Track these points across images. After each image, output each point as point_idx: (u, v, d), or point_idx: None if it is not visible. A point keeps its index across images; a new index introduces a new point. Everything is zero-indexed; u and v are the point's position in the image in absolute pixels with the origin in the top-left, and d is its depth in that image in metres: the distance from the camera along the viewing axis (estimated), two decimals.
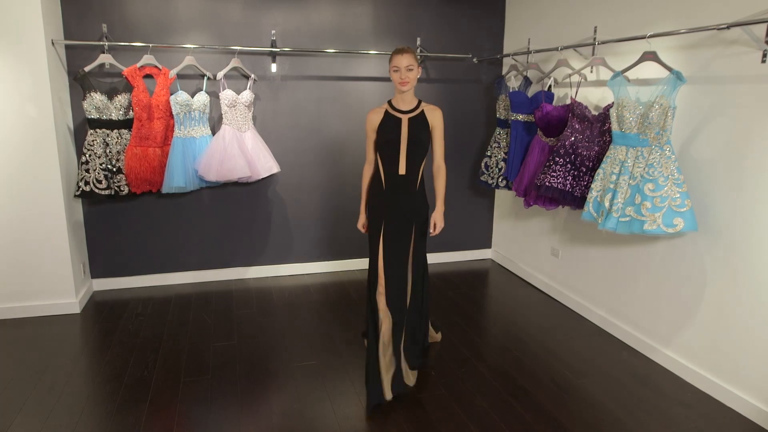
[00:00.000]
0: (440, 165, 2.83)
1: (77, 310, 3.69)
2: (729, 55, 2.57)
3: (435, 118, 2.76)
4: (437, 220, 2.84)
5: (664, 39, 2.87)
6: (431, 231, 2.86)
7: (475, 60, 4.54)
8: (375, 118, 2.75)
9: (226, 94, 3.75)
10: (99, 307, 3.78)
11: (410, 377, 2.80)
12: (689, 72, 2.76)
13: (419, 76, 2.70)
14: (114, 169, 3.64)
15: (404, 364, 2.76)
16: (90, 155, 3.57)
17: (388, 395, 2.61)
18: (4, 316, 3.57)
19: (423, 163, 2.77)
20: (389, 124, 2.71)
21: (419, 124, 2.72)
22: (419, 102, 2.77)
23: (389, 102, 2.78)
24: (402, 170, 2.72)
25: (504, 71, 4.54)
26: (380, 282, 2.72)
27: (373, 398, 2.59)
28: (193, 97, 3.73)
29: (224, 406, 2.61)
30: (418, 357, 2.89)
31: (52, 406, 2.59)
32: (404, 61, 2.60)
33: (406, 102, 2.73)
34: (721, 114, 2.63)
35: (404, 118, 2.71)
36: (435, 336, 3.31)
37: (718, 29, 2.50)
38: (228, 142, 3.75)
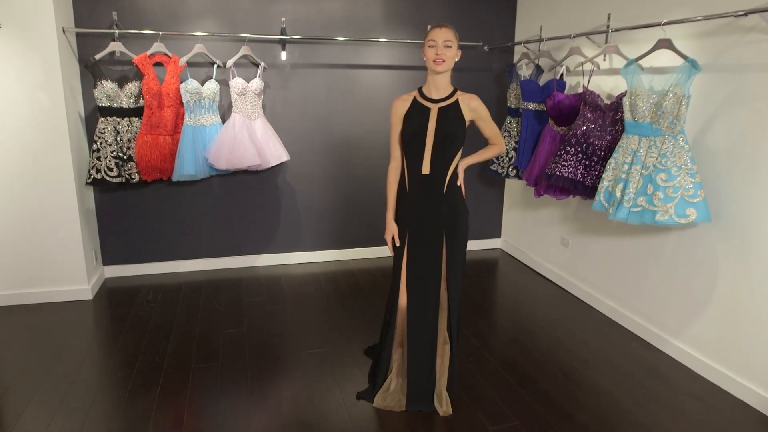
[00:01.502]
0: (496, 141, 2.50)
1: (89, 296, 3.73)
2: (746, 43, 2.52)
3: (475, 107, 2.37)
4: (460, 169, 2.43)
5: (679, 26, 2.82)
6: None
7: (486, 48, 4.49)
8: (401, 107, 2.38)
9: (236, 82, 3.75)
10: (111, 294, 3.83)
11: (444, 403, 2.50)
12: (705, 60, 2.71)
13: (457, 60, 2.34)
14: (125, 157, 3.66)
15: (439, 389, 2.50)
16: (101, 143, 3.59)
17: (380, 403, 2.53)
18: (18, 301, 3.62)
19: (454, 162, 2.39)
20: (415, 114, 2.35)
21: (452, 115, 2.34)
22: (455, 90, 2.39)
23: (419, 89, 2.42)
24: (426, 169, 2.36)
25: (515, 59, 4.49)
26: (400, 305, 2.47)
27: (365, 395, 2.59)
28: (203, 85, 3.73)
29: (234, 393, 2.64)
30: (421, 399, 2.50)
31: (66, 390, 2.64)
32: (442, 35, 2.24)
33: (439, 89, 2.35)
34: (737, 103, 2.59)
35: (433, 108, 2.34)
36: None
37: (736, 16, 2.45)
38: (238, 131, 3.75)
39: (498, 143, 2.52)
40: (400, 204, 2.46)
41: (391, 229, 2.47)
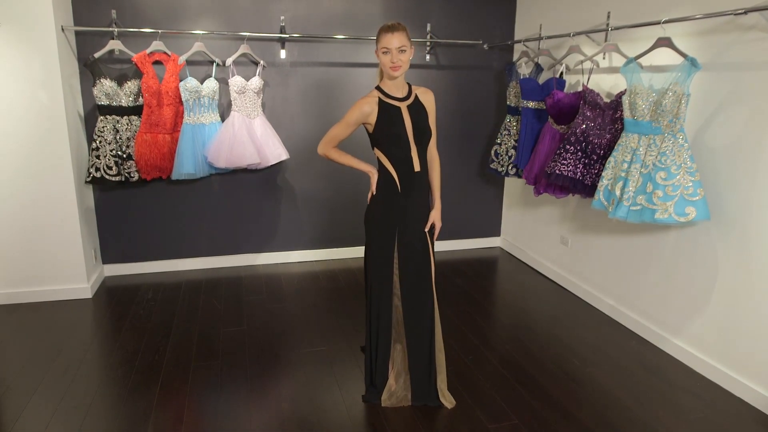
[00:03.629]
0: (434, 155, 2.51)
1: (89, 295, 3.73)
2: (746, 41, 2.52)
3: (430, 101, 2.45)
4: (436, 219, 2.49)
5: (679, 25, 2.82)
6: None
7: (485, 46, 4.49)
8: (369, 111, 2.34)
9: (235, 81, 3.75)
10: (110, 293, 3.82)
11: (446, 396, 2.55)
12: (704, 58, 2.71)
13: (411, 57, 2.34)
14: (124, 156, 3.65)
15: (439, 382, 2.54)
16: (100, 142, 3.59)
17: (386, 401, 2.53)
18: (18, 300, 3.62)
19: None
20: (389, 115, 2.34)
21: (419, 110, 2.40)
22: (410, 86, 2.44)
23: (379, 89, 2.39)
24: (417, 166, 2.39)
25: (515, 58, 4.49)
26: (396, 305, 2.48)
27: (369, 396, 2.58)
28: (202, 83, 3.72)
29: (234, 391, 2.64)
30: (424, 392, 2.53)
31: (66, 388, 2.64)
32: (395, 41, 2.21)
33: (400, 88, 2.38)
34: (737, 102, 2.59)
35: (403, 106, 2.36)
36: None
37: (735, 14, 2.45)
38: (237, 129, 3.75)
39: (436, 156, 2.52)
40: (388, 205, 2.42)
41: (373, 169, 2.48)
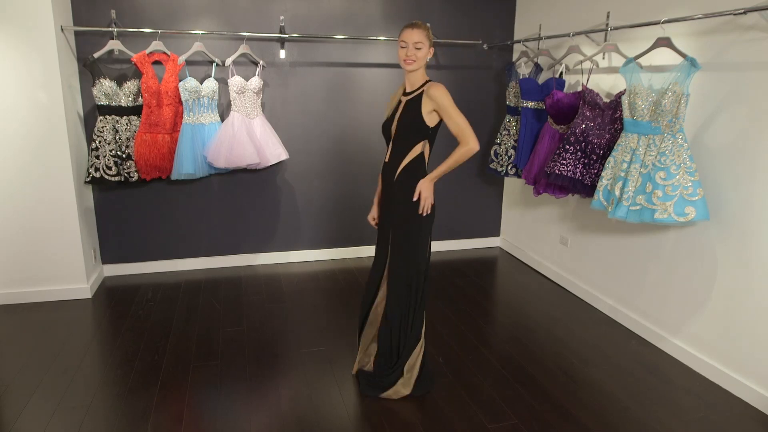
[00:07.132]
0: (462, 143, 2.34)
1: (89, 295, 3.73)
2: (745, 41, 2.52)
3: (432, 94, 2.32)
4: (422, 188, 2.38)
5: (678, 25, 2.82)
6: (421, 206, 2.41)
7: (485, 46, 4.49)
8: (392, 101, 2.54)
9: (235, 81, 3.75)
10: (110, 293, 3.82)
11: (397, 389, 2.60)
12: (704, 59, 2.71)
13: (429, 57, 2.38)
14: (124, 156, 3.65)
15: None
16: (100, 142, 3.58)
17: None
18: (18, 300, 3.62)
19: (412, 149, 2.40)
20: (392, 109, 2.50)
21: (413, 106, 2.38)
22: (425, 82, 2.40)
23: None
24: (387, 157, 2.50)
25: (514, 58, 4.49)
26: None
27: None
28: (201, 83, 3.72)
29: (233, 391, 2.64)
30: (372, 384, 2.63)
31: (66, 388, 2.64)
32: (414, 36, 2.30)
33: (413, 84, 2.42)
34: (737, 101, 2.59)
35: (403, 101, 2.44)
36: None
37: (735, 14, 2.45)
38: (237, 129, 3.75)
39: (463, 140, 2.34)
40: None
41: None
